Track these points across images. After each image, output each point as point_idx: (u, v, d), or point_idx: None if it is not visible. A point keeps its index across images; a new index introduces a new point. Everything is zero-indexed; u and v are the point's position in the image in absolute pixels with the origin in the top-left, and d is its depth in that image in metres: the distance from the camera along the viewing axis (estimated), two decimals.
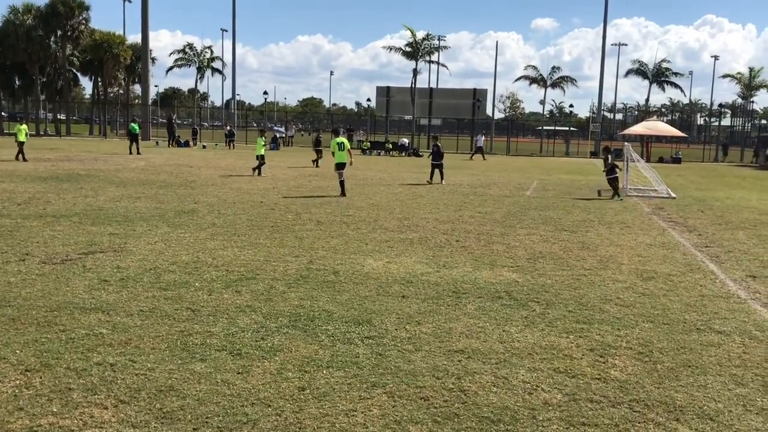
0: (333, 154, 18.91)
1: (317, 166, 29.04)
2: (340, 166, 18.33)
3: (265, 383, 4.83)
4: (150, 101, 63.91)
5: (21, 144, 26.52)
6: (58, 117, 69.26)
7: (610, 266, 9.53)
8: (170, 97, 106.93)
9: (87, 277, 7.75)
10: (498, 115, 78.42)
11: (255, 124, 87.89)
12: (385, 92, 67.17)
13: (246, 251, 9.67)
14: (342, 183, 18.06)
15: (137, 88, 73.76)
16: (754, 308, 7.48)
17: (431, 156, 24.15)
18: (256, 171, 23.34)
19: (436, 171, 23.33)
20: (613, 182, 20.29)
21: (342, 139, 19.03)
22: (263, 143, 24.77)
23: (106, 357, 5.23)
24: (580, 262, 9.78)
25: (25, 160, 25.80)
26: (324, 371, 5.11)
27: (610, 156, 20.72)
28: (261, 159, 23.66)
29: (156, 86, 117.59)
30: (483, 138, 47.29)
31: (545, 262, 9.62)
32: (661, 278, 8.84)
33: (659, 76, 68.53)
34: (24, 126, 28.19)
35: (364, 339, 5.90)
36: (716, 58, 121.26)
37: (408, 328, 6.24)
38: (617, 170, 20.56)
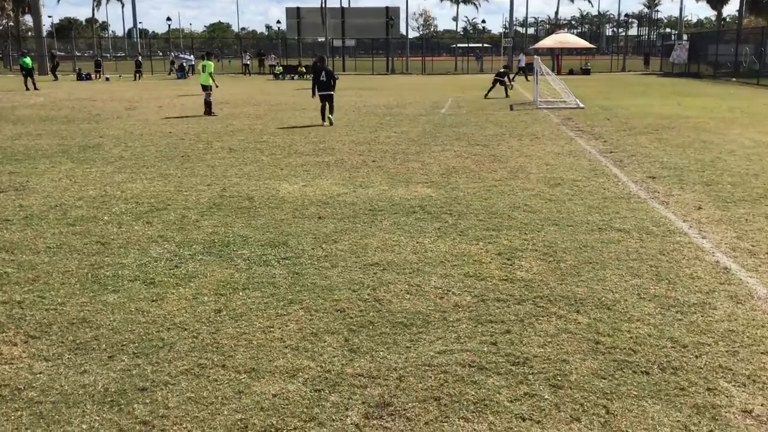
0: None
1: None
2: (203, 88, 19.56)
3: (180, 309, 4.83)
4: (45, 33, 59.86)
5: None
6: None
7: (520, 176, 9.83)
8: (66, 28, 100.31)
9: None
10: (412, 34, 77.61)
11: (161, 53, 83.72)
12: (294, 13, 65.02)
13: (155, 183, 9.43)
14: (206, 102, 19.33)
15: (29, 20, 68.78)
16: (652, 206, 7.92)
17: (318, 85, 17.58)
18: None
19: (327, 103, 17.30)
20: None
21: (205, 62, 19.96)
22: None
23: (12, 295, 5.09)
24: (491, 174, 10.03)
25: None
26: (240, 293, 5.14)
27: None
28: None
29: (50, 17, 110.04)
30: (524, 56, 41.08)
31: (458, 177, 9.82)
32: (567, 184, 9.21)
33: None
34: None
35: (281, 260, 5.94)
36: None
37: (324, 247, 6.32)
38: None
